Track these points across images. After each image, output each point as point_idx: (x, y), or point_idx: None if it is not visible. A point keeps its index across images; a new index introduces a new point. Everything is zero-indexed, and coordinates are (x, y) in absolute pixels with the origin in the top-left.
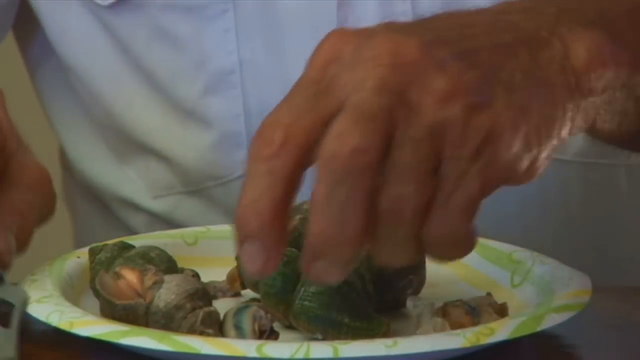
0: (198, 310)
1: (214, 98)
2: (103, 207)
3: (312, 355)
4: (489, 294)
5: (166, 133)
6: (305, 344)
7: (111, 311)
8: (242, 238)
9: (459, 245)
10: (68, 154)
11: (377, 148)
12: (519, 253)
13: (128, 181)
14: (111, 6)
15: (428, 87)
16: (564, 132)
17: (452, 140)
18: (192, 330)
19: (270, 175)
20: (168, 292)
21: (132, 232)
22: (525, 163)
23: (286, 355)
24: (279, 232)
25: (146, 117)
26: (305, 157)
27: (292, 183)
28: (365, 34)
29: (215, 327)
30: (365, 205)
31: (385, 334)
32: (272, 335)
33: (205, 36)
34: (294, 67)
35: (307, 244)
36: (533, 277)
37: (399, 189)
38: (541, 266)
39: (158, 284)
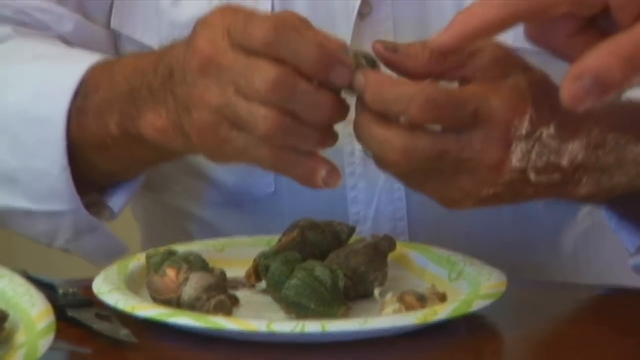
0: (211, 300)
1: None
2: (166, 217)
3: (306, 330)
4: (433, 286)
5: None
6: (301, 322)
7: (155, 302)
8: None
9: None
10: None
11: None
12: (455, 256)
13: (178, 195)
14: None
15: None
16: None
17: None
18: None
19: None
20: (189, 288)
21: (189, 234)
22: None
23: (287, 330)
24: None
25: None
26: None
27: None
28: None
29: (225, 310)
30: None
31: (343, 316)
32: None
33: None
34: None
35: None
36: (465, 273)
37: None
38: (470, 266)
39: (185, 280)
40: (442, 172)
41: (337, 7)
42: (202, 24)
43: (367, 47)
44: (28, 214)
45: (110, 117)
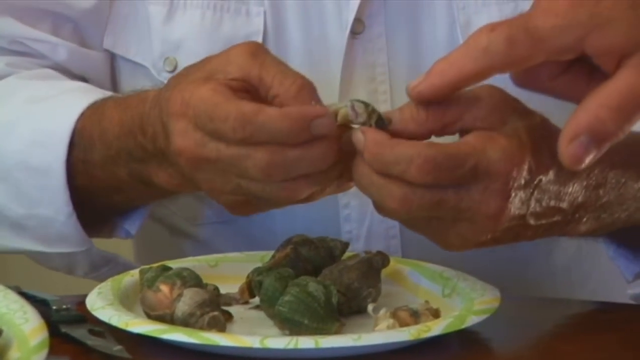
0: (205, 316)
1: None
2: (160, 235)
3: (299, 346)
4: (426, 302)
5: None
6: (295, 338)
7: (148, 318)
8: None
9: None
10: None
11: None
12: (448, 272)
13: (172, 214)
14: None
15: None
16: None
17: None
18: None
19: None
20: (183, 305)
21: (182, 252)
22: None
23: (281, 346)
24: None
25: None
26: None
27: None
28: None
29: (219, 326)
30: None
31: (337, 332)
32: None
33: None
34: None
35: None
36: (458, 289)
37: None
38: (464, 281)
39: (179, 296)
40: (441, 219)
41: (329, 25)
42: (166, 112)
43: (360, 64)
44: (43, 253)
45: (119, 170)
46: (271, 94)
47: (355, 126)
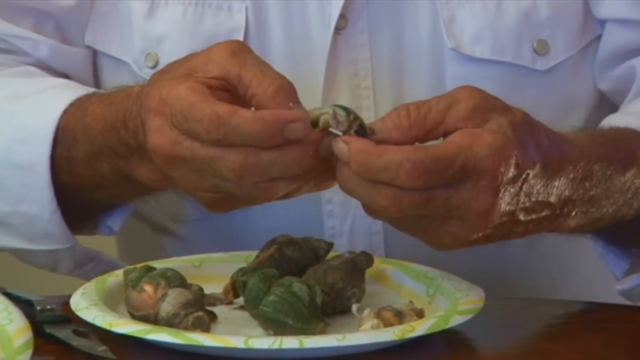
0: (189, 316)
1: None
2: (142, 232)
3: (284, 346)
4: (411, 302)
5: None
6: (279, 338)
7: (133, 319)
8: None
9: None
10: None
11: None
12: (432, 272)
13: (155, 210)
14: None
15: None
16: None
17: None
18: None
19: None
20: (168, 305)
21: (163, 249)
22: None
23: (265, 347)
24: None
25: None
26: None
27: None
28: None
29: (203, 326)
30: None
31: (321, 332)
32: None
33: None
34: None
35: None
36: (442, 289)
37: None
38: (448, 281)
39: (164, 296)
40: (432, 218)
41: (312, 21)
42: (144, 108)
43: (342, 59)
44: (27, 250)
45: (102, 166)
46: (249, 94)
47: (336, 132)
